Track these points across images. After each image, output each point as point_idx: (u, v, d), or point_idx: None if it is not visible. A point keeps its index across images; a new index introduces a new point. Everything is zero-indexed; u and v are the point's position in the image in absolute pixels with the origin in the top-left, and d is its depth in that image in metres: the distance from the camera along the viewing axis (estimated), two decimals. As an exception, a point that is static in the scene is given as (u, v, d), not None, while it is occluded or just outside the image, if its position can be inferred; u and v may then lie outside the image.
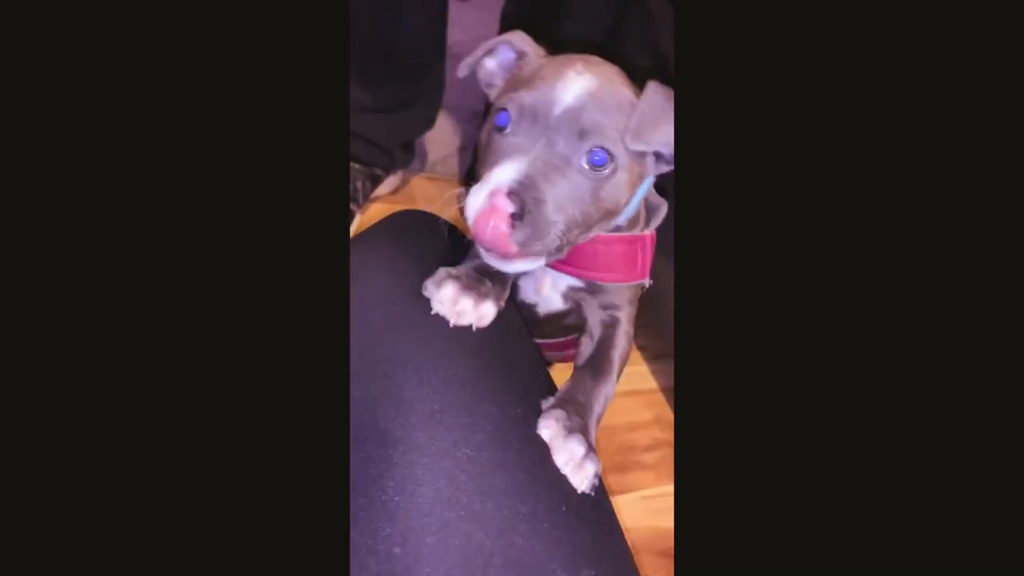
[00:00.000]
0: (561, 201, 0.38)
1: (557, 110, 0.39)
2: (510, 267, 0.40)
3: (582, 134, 0.39)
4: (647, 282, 0.52)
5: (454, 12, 0.79)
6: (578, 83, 0.40)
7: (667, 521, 0.69)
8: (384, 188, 0.91)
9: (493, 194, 0.36)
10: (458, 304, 0.40)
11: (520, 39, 0.45)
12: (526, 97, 0.40)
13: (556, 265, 0.47)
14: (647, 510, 0.70)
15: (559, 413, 0.40)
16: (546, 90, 0.39)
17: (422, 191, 0.98)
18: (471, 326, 0.41)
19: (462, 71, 0.47)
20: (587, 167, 0.39)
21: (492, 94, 0.47)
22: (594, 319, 0.51)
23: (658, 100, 0.41)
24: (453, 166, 1.03)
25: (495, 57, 0.47)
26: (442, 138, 1.02)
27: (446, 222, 0.53)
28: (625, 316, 0.51)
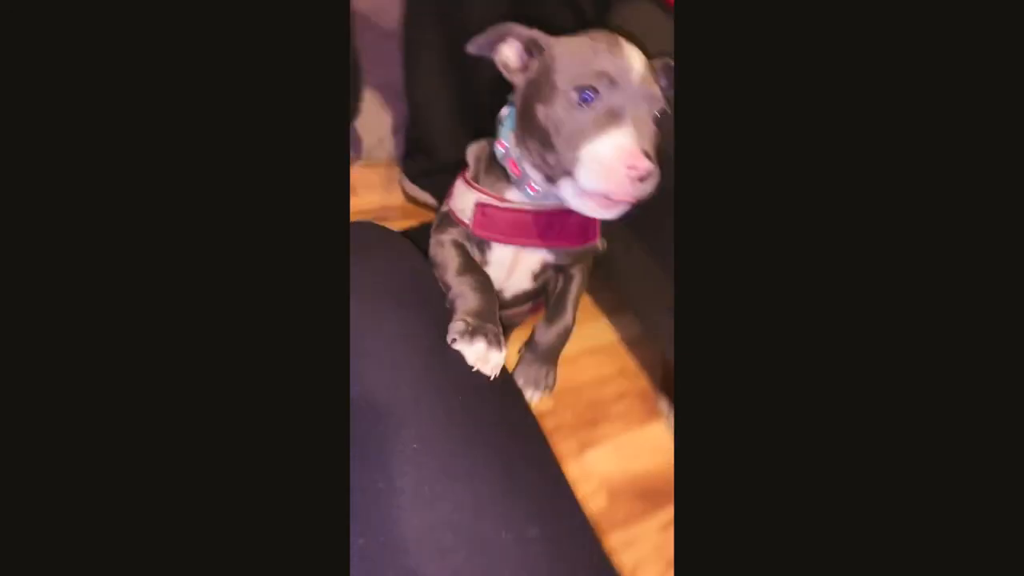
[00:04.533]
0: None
1: (635, 79, 0.43)
2: (611, 214, 0.44)
3: (651, 99, 0.43)
4: (600, 244, 0.56)
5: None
6: (636, 54, 0.44)
7: (640, 464, 0.74)
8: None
9: (631, 154, 0.40)
10: (489, 361, 0.44)
11: (524, 31, 0.47)
12: (611, 71, 0.42)
13: (526, 241, 0.52)
14: (621, 456, 0.75)
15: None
16: (622, 63, 0.43)
17: (363, 181, 0.96)
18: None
19: (472, 48, 0.48)
20: (655, 128, 0.44)
21: (513, 78, 0.49)
22: (554, 284, 0.57)
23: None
24: (390, 148, 1.01)
25: (511, 45, 0.48)
26: (373, 121, 1.00)
27: (405, 240, 0.53)
28: (578, 270, 0.56)
